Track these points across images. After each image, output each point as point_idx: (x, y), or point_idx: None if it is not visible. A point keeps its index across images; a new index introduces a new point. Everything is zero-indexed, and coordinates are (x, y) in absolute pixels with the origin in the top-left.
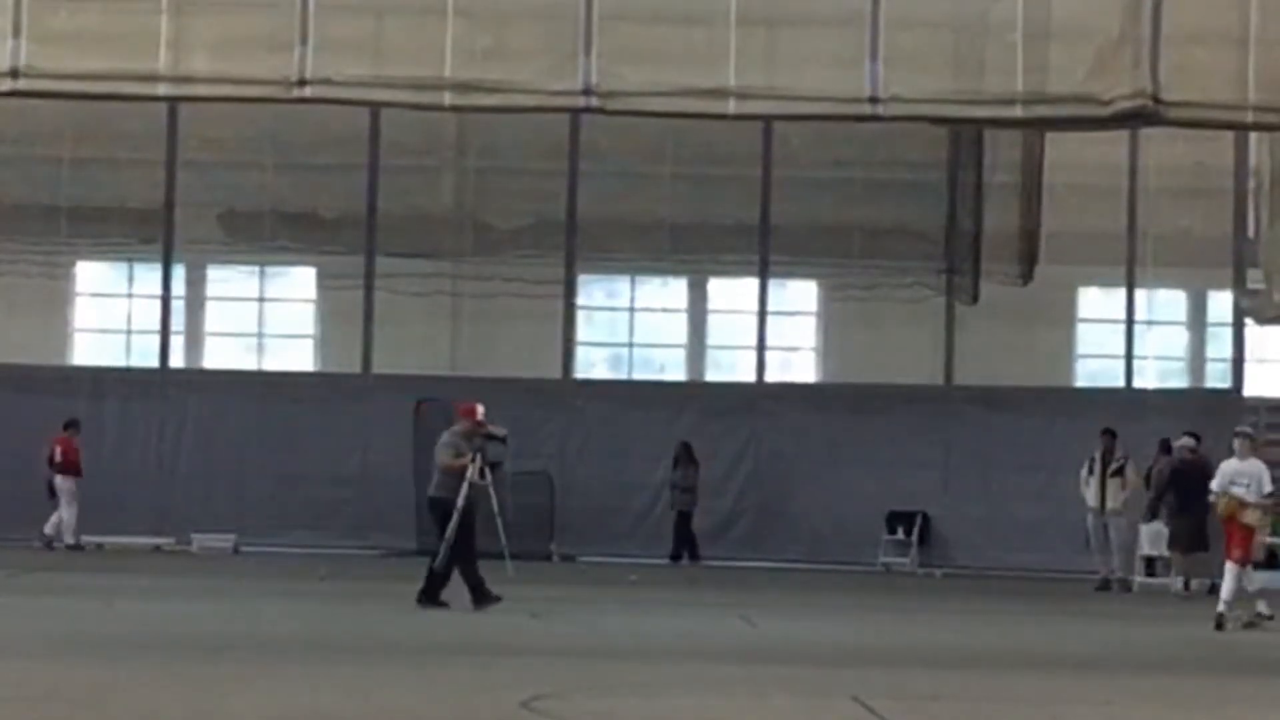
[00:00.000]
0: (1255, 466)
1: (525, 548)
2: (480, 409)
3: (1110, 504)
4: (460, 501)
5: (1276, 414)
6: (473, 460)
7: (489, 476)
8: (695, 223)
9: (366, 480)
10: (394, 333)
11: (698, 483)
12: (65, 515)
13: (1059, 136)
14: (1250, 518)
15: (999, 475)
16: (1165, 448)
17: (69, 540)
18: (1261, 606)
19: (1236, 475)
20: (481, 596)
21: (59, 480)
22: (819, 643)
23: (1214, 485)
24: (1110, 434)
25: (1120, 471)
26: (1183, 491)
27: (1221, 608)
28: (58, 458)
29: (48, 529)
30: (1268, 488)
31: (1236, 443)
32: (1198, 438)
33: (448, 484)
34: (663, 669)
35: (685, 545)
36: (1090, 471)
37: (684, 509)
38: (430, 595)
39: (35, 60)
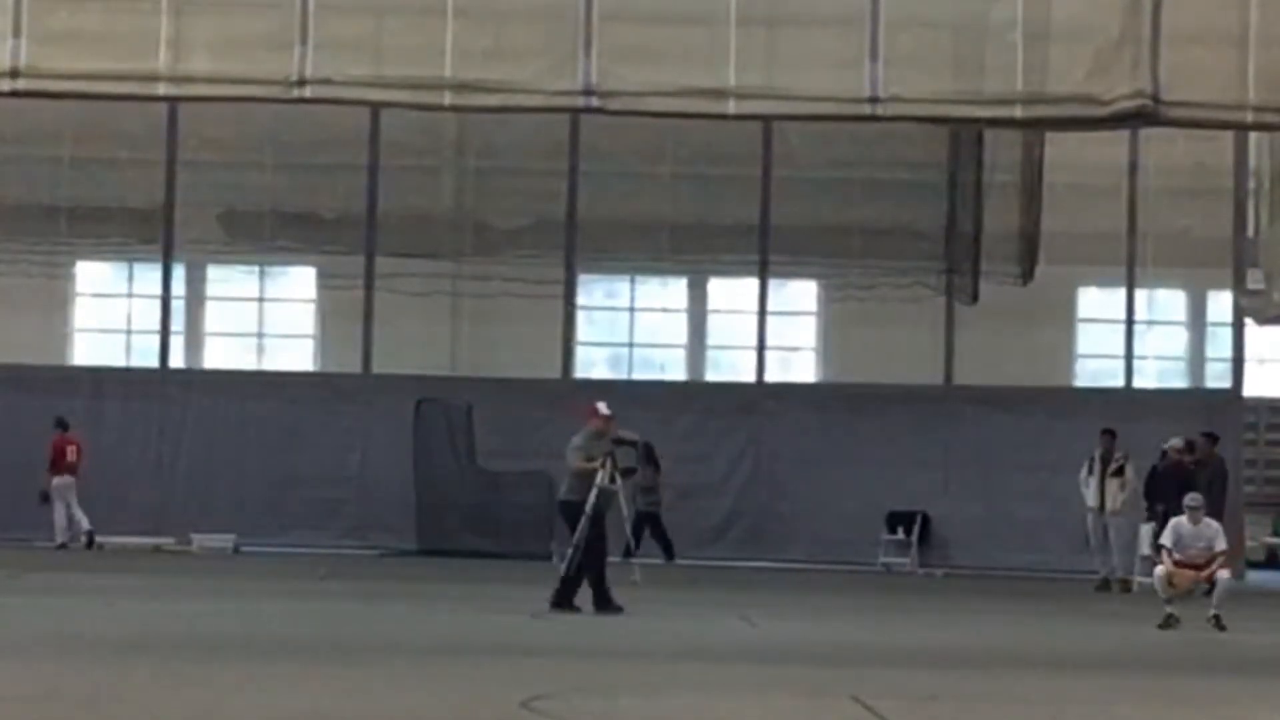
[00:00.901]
0: (1208, 531)
1: (525, 548)
2: (603, 406)
3: (1110, 504)
4: (589, 506)
5: (1276, 414)
6: (603, 465)
7: (619, 481)
8: (695, 223)
9: (366, 480)
10: (394, 333)
11: (659, 483)
12: (77, 514)
13: (1059, 136)
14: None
15: (999, 475)
16: (1189, 447)
17: (62, 539)
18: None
19: (1193, 539)
20: (605, 603)
21: (67, 481)
22: (819, 643)
23: (1165, 541)
24: (1110, 434)
25: (1120, 471)
26: (1168, 495)
27: (1212, 610)
28: (71, 457)
29: (84, 528)
30: (1220, 547)
31: (1188, 512)
32: (1214, 437)
33: (578, 487)
34: (663, 669)
35: (662, 543)
36: (1090, 471)
37: (646, 510)
38: (564, 600)
39: (35, 60)
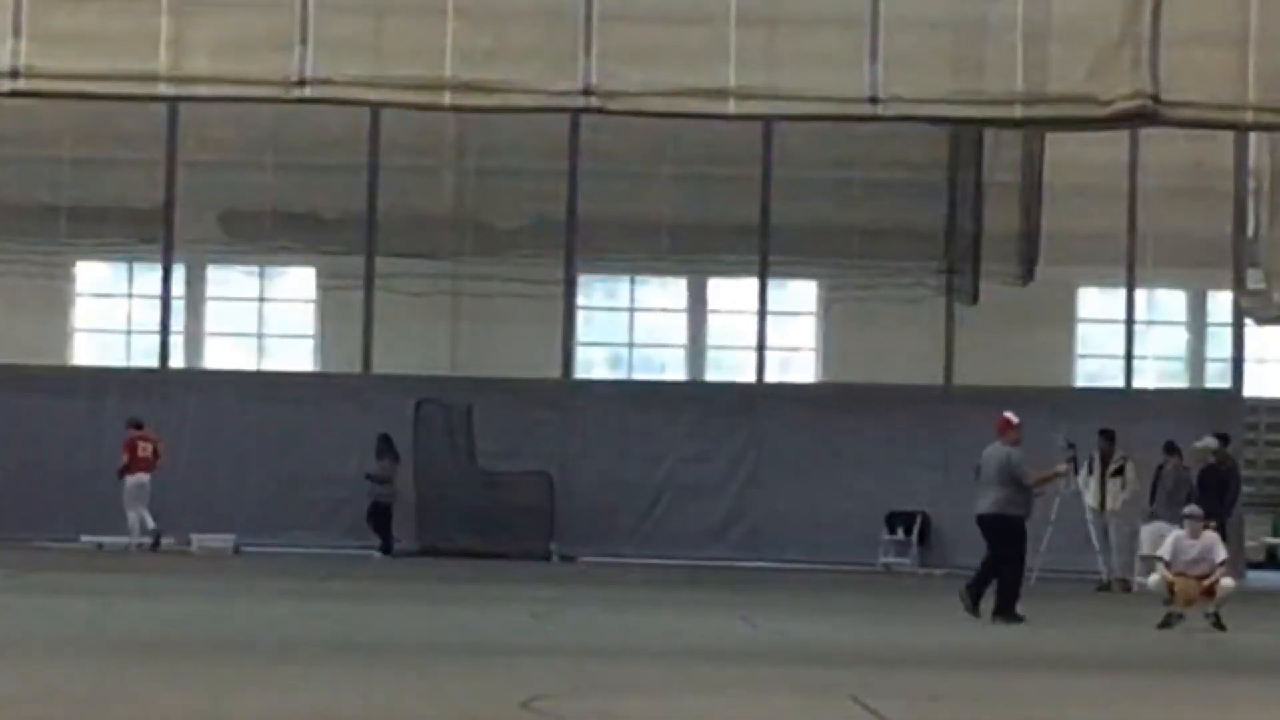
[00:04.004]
0: (1206, 541)
1: (525, 548)
2: (1013, 415)
3: (1110, 504)
4: (1053, 514)
5: (1276, 414)
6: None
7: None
8: (695, 223)
9: (367, 480)
10: (394, 333)
11: (395, 475)
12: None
13: (1059, 136)
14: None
15: None
16: (1171, 448)
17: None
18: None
19: (1191, 552)
20: (1010, 611)
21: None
22: (819, 643)
23: (1163, 554)
24: (1108, 435)
25: (1120, 472)
26: (1205, 496)
27: (1211, 609)
28: (144, 452)
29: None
30: (1220, 557)
31: (1187, 523)
32: (1225, 439)
33: (1018, 500)
34: (663, 669)
35: (385, 536)
36: (1090, 472)
37: (379, 500)
38: (1011, 610)
39: (35, 60)
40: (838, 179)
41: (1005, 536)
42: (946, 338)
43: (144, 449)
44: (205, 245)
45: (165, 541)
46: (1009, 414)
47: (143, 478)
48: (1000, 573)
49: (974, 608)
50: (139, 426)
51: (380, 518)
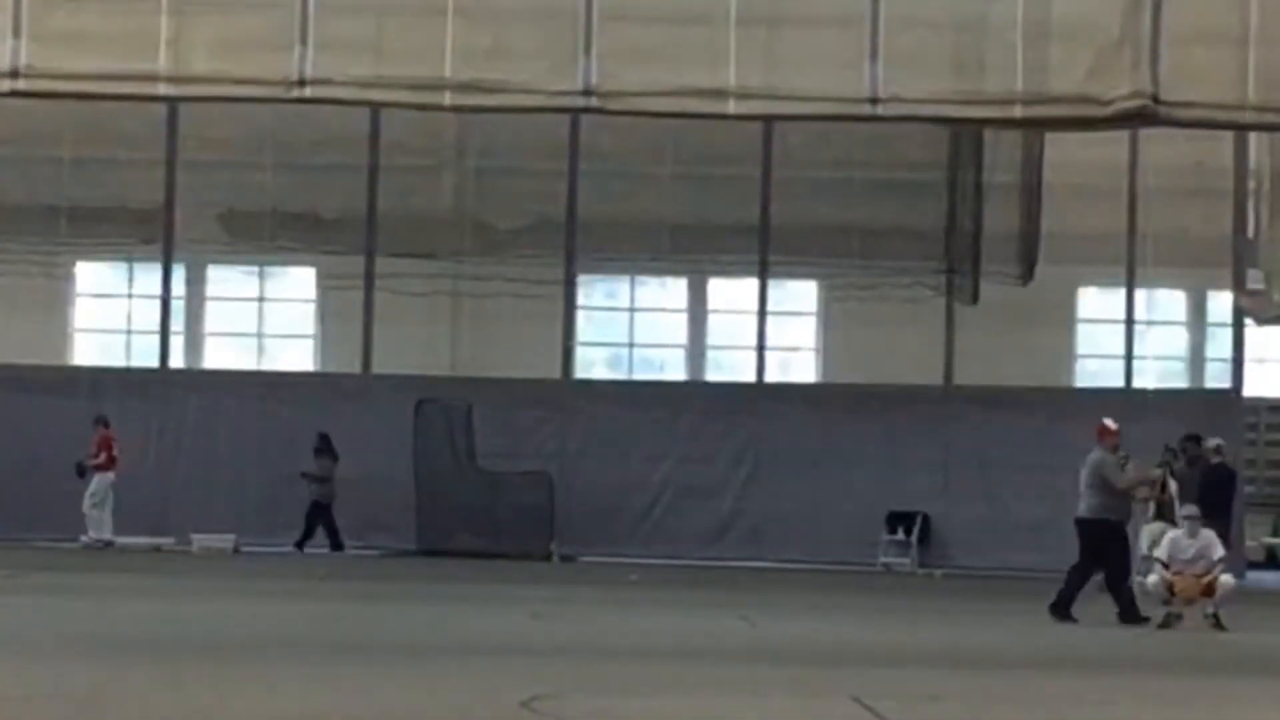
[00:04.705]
0: (1204, 540)
1: (525, 548)
2: (1111, 421)
3: None
4: (1151, 522)
5: (1276, 414)
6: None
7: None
8: (695, 223)
9: (366, 480)
10: (394, 333)
11: (334, 474)
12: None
13: (1059, 136)
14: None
15: (999, 475)
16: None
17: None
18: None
19: (1189, 551)
20: (1131, 614)
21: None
22: (819, 643)
23: (1160, 555)
24: None
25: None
26: (1211, 498)
27: (1210, 609)
28: (115, 451)
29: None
30: (1218, 554)
31: (1186, 523)
32: (1199, 439)
33: (1111, 504)
34: (663, 669)
35: (329, 534)
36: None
37: (317, 499)
38: (1135, 614)
39: (35, 60)
40: (838, 179)
41: (1097, 540)
42: (946, 338)
43: (116, 448)
44: (205, 245)
45: (164, 541)
46: (1107, 420)
47: (111, 476)
48: (1106, 577)
49: (1066, 616)
50: (107, 425)
51: (319, 516)
